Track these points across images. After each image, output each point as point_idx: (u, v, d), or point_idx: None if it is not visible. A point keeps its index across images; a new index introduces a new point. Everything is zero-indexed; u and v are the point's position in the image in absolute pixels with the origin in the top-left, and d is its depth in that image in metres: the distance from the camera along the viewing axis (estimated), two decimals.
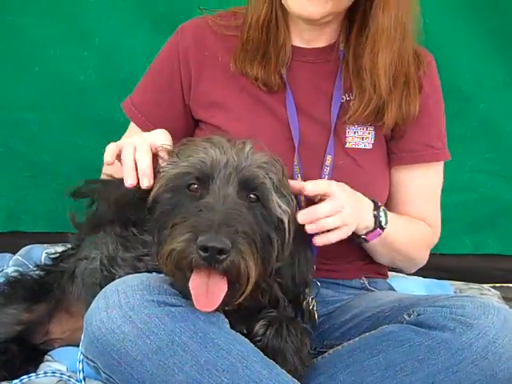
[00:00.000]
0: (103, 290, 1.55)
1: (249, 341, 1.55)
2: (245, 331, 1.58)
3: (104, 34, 2.65)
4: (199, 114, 1.97)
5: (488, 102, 2.77)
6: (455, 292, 2.73)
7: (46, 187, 2.76)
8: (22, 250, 2.64)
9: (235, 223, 1.40)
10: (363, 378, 1.58)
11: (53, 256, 2.19)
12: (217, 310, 1.47)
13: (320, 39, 1.94)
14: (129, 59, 2.67)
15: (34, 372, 1.95)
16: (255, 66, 1.89)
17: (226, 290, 1.44)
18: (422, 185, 1.99)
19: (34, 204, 2.79)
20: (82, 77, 2.66)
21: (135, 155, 1.59)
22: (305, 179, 1.80)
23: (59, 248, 2.56)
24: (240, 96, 1.92)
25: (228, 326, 1.54)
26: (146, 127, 1.96)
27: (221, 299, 1.44)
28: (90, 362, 1.54)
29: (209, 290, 1.44)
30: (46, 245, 2.69)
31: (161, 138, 1.65)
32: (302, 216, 1.60)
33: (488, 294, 2.70)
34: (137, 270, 1.64)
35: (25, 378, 1.80)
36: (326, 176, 1.86)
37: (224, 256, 1.37)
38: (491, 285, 2.83)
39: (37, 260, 2.53)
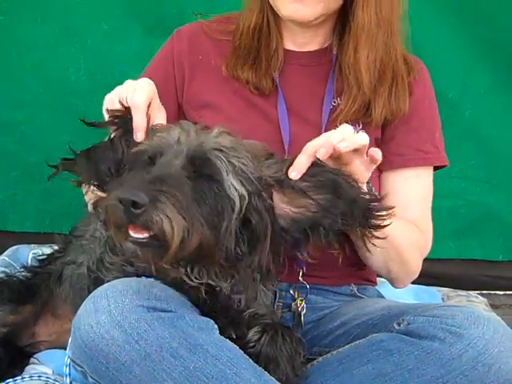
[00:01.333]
0: (92, 293, 1.53)
1: (238, 347, 1.54)
2: (234, 336, 1.57)
3: (96, 37, 2.67)
4: (191, 114, 1.99)
5: (473, 108, 2.81)
6: (443, 298, 2.75)
7: (34, 187, 2.75)
8: (9, 251, 2.62)
9: (163, 184, 1.40)
10: None
11: (40, 258, 2.18)
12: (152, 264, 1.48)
13: (313, 42, 1.95)
14: (120, 61, 2.69)
15: (20, 375, 1.94)
16: (246, 70, 1.91)
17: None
18: (412, 189, 1.97)
19: (22, 203, 2.79)
20: (73, 77, 2.68)
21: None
22: None
23: (46, 249, 2.57)
24: (232, 99, 1.94)
25: (217, 332, 1.53)
26: None
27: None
28: (77, 366, 1.53)
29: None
30: (32, 245, 2.68)
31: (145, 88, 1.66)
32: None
33: (475, 301, 2.72)
34: (126, 274, 1.62)
35: (10, 381, 1.79)
36: None
37: (139, 210, 1.35)
38: (478, 292, 2.85)
39: (23, 261, 2.52)
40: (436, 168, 2.02)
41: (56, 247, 2.18)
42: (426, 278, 2.72)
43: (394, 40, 1.88)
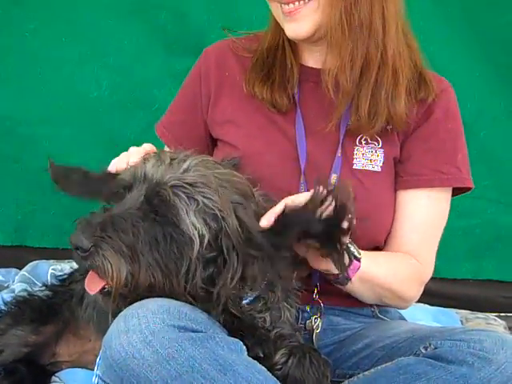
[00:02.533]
0: (122, 312, 1.53)
1: (265, 368, 1.54)
2: (261, 355, 1.58)
3: (119, 55, 2.73)
4: (215, 130, 2.01)
5: (488, 130, 2.82)
6: (461, 320, 2.75)
7: (54, 202, 2.77)
8: (28, 266, 2.64)
9: (109, 228, 1.48)
10: None
11: (61, 277, 2.19)
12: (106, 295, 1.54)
13: (331, 59, 1.91)
14: (142, 79, 2.75)
15: None
16: (261, 87, 1.93)
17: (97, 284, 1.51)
18: (421, 212, 1.92)
19: (42, 219, 2.82)
20: (96, 94, 2.72)
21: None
22: None
23: (65, 265, 2.60)
24: (253, 115, 1.96)
25: (246, 353, 1.53)
26: (174, 146, 1.98)
27: (96, 290, 1.52)
28: None
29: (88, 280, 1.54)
30: (52, 261, 2.70)
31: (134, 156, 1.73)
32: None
33: (494, 324, 2.73)
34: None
35: None
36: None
37: (84, 254, 1.46)
38: (496, 314, 2.85)
39: (43, 276, 2.55)
40: (460, 191, 1.98)
41: (75, 264, 2.19)
42: (443, 299, 2.77)
43: (379, 39, 1.81)
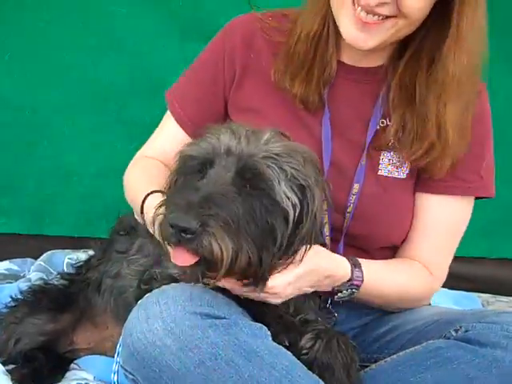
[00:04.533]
0: (142, 300, 1.50)
1: (292, 354, 1.50)
2: (287, 343, 1.54)
3: (136, 42, 2.70)
4: (235, 115, 1.90)
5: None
6: (483, 304, 2.70)
7: (71, 190, 2.77)
8: (44, 256, 2.62)
9: (212, 205, 1.39)
10: None
11: (77, 265, 2.17)
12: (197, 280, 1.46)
13: (372, 59, 1.80)
14: (158, 65, 2.71)
15: (61, 380, 1.94)
16: (296, 84, 1.78)
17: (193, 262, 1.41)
18: (439, 218, 1.82)
19: (59, 207, 2.79)
20: (111, 79, 2.69)
21: None
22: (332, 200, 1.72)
23: (81, 254, 2.57)
24: (279, 108, 1.84)
25: (271, 338, 1.49)
26: (182, 123, 1.92)
27: (188, 264, 1.41)
28: (128, 374, 1.49)
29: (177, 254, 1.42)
30: (67, 250, 2.68)
31: None
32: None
33: None
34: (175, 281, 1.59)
35: None
36: (352, 204, 1.77)
37: (190, 235, 1.36)
38: None
39: (59, 266, 2.54)
40: (482, 197, 1.87)
41: (91, 252, 2.17)
42: (462, 280, 2.70)
43: (476, 87, 1.71)
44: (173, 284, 1.53)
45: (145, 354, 1.42)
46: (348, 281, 1.65)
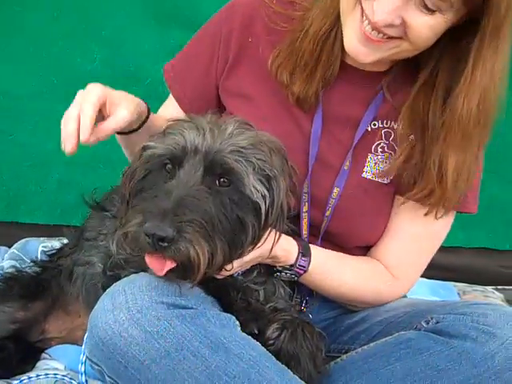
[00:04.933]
0: (109, 289, 1.48)
1: (260, 344, 1.49)
2: (256, 331, 1.53)
3: (111, 28, 2.66)
4: (226, 100, 1.86)
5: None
6: (458, 293, 2.71)
7: (46, 178, 2.73)
8: (18, 244, 2.59)
9: (185, 211, 1.39)
10: None
11: (50, 253, 2.14)
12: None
13: (374, 65, 1.73)
14: (135, 52, 2.67)
15: (31, 370, 1.91)
16: (297, 83, 1.74)
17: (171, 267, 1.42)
18: (417, 231, 1.78)
19: (34, 195, 2.76)
20: (88, 68, 2.66)
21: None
22: (312, 196, 1.75)
23: (55, 243, 2.54)
24: (271, 98, 1.79)
25: (239, 329, 1.48)
26: (182, 99, 1.90)
27: (165, 271, 1.42)
28: (94, 365, 1.48)
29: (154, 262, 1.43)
30: (42, 238, 2.65)
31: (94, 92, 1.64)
32: None
33: (492, 297, 2.68)
34: (143, 269, 1.56)
35: (25, 378, 1.75)
36: (330, 207, 1.75)
37: (167, 244, 1.36)
38: (494, 287, 2.80)
39: (33, 254, 2.50)
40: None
41: (65, 241, 2.14)
42: (439, 269, 2.69)
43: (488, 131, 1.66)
44: (141, 273, 1.51)
45: (110, 345, 1.40)
46: (290, 266, 1.66)
